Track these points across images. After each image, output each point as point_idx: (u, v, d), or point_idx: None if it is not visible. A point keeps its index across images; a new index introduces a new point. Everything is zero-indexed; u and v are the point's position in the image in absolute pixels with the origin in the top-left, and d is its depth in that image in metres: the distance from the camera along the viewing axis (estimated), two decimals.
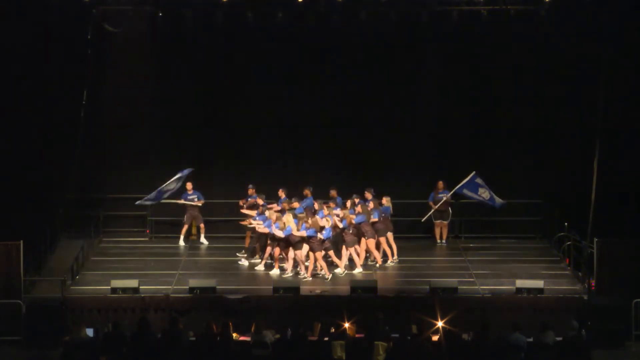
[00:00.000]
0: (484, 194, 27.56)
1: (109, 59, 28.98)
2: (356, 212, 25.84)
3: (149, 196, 27.14)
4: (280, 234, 25.14)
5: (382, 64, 29.25)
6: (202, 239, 28.48)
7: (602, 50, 26.86)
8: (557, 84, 28.50)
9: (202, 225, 28.46)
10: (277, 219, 25.40)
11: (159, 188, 27.17)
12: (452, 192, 27.96)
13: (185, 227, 28.42)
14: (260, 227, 25.90)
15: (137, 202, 27.29)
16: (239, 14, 28.51)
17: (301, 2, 28.10)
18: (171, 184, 27.28)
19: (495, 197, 27.58)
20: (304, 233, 24.95)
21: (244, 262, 26.68)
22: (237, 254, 27.20)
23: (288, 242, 25.33)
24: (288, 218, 25.26)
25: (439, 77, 29.28)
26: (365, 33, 28.77)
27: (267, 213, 25.86)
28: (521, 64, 28.87)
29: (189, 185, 28.13)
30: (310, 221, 25.06)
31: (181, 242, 28.37)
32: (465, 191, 27.72)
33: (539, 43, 28.67)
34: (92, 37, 28.45)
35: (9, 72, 27.26)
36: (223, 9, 28.34)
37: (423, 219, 28.28)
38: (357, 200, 26.19)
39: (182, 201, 28.12)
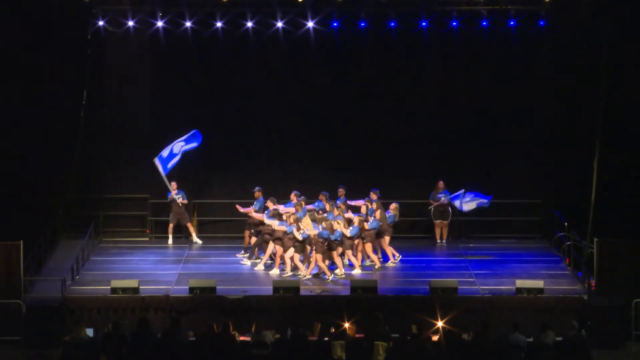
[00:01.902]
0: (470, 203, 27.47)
1: (109, 59, 28.98)
2: (376, 217, 25.88)
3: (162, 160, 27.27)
4: (299, 236, 25.14)
5: (382, 64, 29.24)
6: (195, 238, 28.46)
7: (602, 49, 26.88)
8: (557, 84, 28.49)
9: (189, 225, 28.42)
10: (295, 221, 25.39)
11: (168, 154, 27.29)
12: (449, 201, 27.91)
13: (171, 226, 28.40)
14: (276, 225, 25.82)
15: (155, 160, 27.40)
16: (239, 14, 28.51)
17: (301, 2, 28.11)
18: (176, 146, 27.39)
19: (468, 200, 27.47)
20: (316, 232, 25.04)
21: (247, 262, 26.67)
22: (237, 254, 27.20)
23: (290, 243, 25.37)
24: (307, 221, 25.29)
25: (439, 77, 29.27)
26: (365, 33, 28.76)
27: (284, 217, 25.81)
28: (521, 64, 28.86)
29: (173, 185, 28.06)
30: (324, 223, 25.12)
31: (170, 242, 28.37)
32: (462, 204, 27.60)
33: (539, 43, 28.68)
34: (92, 37, 28.46)
35: (9, 72, 27.25)
36: (223, 9, 28.34)
37: (430, 207, 28.25)
38: (374, 206, 26.15)
39: (172, 197, 27.99)
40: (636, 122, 26.94)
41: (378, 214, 26.07)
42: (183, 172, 28.45)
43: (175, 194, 27.98)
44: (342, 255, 25.76)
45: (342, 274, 25.48)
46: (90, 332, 22.04)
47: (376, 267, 26.15)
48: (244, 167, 29.13)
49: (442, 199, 28.13)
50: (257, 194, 27.05)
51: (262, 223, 26.34)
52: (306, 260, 25.60)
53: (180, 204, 27.98)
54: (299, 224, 25.26)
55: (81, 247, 26.48)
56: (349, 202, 26.68)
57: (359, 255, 26.14)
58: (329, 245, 25.22)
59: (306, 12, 28.45)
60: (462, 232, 29.08)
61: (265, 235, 26.27)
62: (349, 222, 25.76)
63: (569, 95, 28.34)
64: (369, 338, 21.35)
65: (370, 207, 26.17)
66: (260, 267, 26.16)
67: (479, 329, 21.28)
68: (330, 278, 25.14)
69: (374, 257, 26.17)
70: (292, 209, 25.91)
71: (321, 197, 26.80)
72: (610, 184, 26.79)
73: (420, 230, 29.25)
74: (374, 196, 26.58)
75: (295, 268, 25.51)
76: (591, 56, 27.45)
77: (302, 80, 29.33)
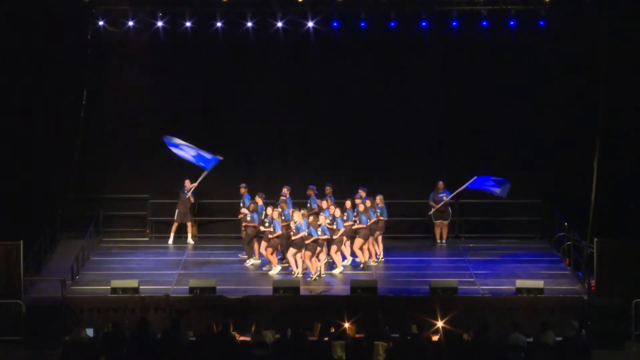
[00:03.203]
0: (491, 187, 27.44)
1: (109, 59, 28.98)
2: (361, 211, 25.90)
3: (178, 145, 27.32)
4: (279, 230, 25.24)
5: (382, 64, 29.25)
6: (189, 239, 28.45)
7: (602, 49, 26.88)
8: (557, 84, 28.50)
9: (189, 224, 28.41)
10: (278, 216, 25.52)
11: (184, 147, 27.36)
12: (454, 194, 27.84)
13: (175, 225, 28.39)
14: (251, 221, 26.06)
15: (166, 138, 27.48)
16: (239, 14, 28.51)
17: (301, 2, 28.11)
18: (189, 150, 27.38)
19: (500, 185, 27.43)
20: (304, 233, 25.07)
21: (250, 263, 26.64)
22: (240, 255, 27.19)
23: (289, 242, 25.42)
24: (297, 216, 25.36)
25: (439, 76, 29.27)
26: (365, 33, 28.76)
27: (268, 210, 25.89)
28: (521, 64, 28.87)
29: (187, 183, 28.08)
30: (311, 219, 25.21)
31: (170, 241, 28.36)
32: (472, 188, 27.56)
33: (539, 43, 28.68)
34: (92, 37, 28.46)
35: (10, 72, 27.25)
36: (223, 9, 28.34)
37: (430, 212, 28.23)
38: (358, 202, 26.22)
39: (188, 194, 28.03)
40: (636, 122, 26.94)
41: (362, 208, 26.06)
42: (184, 171, 28.48)
43: (185, 191, 28.01)
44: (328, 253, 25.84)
45: (340, 272, 25.51)
46: (90, 332, 22.04)
47: (361, 265, 26.12)
48: (244, 167, 29.12)
49: (444, 198, 28.10)
50: (242, 190, 27.10)
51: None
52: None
53: (189, 199, 27.95)
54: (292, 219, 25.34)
55: (81, 247, 26.46)
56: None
57: (356, 252, 26.23)
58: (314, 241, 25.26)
59: (306, 12, 28.45)
60: (462, 232, 29.08)
61: (249, 232, 26.35)
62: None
63: (568, 95, 28.34)
64: (369, 338, 21.36)
65: (357, 204, 26.18)
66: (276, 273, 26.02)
67: (479, 329, 21.28)
68: (315, 277, 25.12)
69: (360, 253, 26.11)
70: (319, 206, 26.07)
71: (309, 192, 26.90)
72: (610, 184, 26.78)
73: (420, 230, 29.24)
74: (362, 194, 26.62)
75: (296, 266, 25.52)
76: (591, 56, 27.44)
77: (302, 80, 29.33)
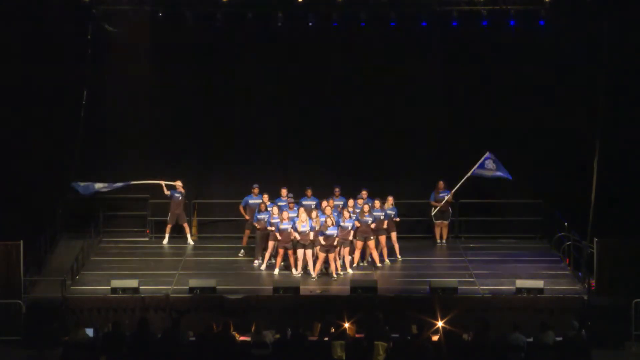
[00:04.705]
0: (493, 170, 27.41)
1: (109, 59, 28.97)
2: (365, 211, 25.95)
3: (83, 185, 27.18)
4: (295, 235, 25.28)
5: (382, 64, 29.23)
6: (189, 240, 28.40)
7: (602, 49, 26.88)
8: (557, 84, 28.50)
9: (186, 225, 28.35)
10: (287, 217, 25.52)
11: (94, 186, 27.27)
12: (465, 178, 27.77)
13: (169, 226, 28.33)
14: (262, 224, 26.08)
15: (72, 184, 27.31)
16: (239, 13, 28.52)
17: (301, 2, 28.11)
18: (104, 187, 27.40)
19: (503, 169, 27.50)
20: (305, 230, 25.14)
21: (255, 261, 26.66)
22: (239, 254, 27.19)
23: (291, 242, 25.45)
24: (304, 216, 25.38)
25: (439, 76, 29.25)
26: (365, 33, 28.77)
27: (274, 211, 25.88)
28: (521, 64, 28.87)
29: (178, 183, 27.98)
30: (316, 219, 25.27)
31: (165, 241, 28.29)
32: (478, 171, 27.50)
33: (539, 43, 28.68)
34: (92, 37, 28.46)
35: (9, 72, 27.26)
36: (223, 9, 28.35)
37: (432, 213, 28.20)
38: (360, 202, 26.28)
39: (167, 192, 27.92)
40: (636, 122, 26.95)
41: (367, 207, 26.11)
42: (184, 171, 28.49)
43: (176, 193, 27.88)
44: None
45: (337, 275, 25.52)
46: (90, 332, 22.06)
47: (361, 264, 26.26)
48: (244, 167, 29.11)
49: (445, 197, 28.07)
50: (255, 190, 27.07)
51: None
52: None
53: (177, 204, 27.87)
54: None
55: (81, 247, 26.48)
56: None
57: (358, 255, 26.25)
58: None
59: (306, 12, 28.44)
60: (462, 232, 29.07)
61: (259, 233, 26.35)
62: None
63: (568, 95, 28.34)
64: (369, 338, 21.37)
65: (356, 204, 26.26)
66: (262, 268, 26.04)
67: (479, 329, 21.29)
68: (315, 276, 25.19)
69: (375, 253, 26.19)
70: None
71: (308, 192, 26.93)
72: (610, 184, 26.78)
73: (420, 230, 29.23)
74: (365, 195, 26.66)
75: (304, 267, 25.50)
76: (591, 56, 27.45)
77: (302, 80, 29.31)
